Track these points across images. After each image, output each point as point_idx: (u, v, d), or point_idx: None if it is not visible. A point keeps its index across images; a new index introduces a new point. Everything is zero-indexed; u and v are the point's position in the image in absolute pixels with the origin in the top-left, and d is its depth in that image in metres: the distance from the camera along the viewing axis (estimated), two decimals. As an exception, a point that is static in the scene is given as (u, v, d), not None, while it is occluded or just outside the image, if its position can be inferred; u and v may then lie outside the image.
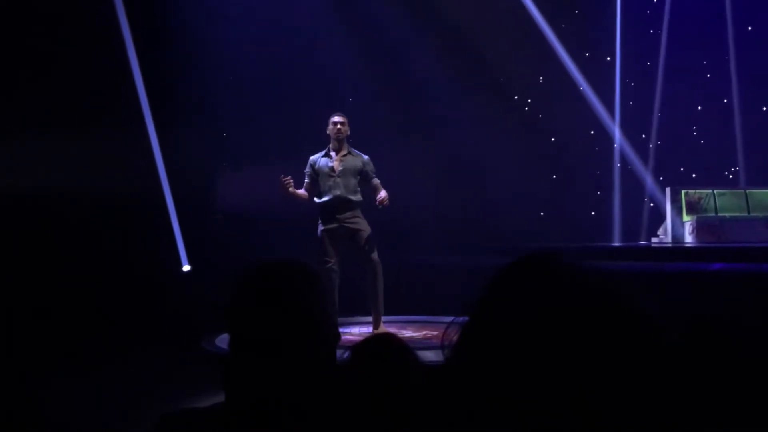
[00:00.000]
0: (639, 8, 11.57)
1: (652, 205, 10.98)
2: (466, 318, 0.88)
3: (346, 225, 6.45)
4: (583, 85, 11.24)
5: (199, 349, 6.29)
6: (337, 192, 6.45)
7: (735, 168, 11.27)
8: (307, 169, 6.60)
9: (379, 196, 6.38)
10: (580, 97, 11.26)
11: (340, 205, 6.46)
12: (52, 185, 7.81)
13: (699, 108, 11.31)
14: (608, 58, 11.55)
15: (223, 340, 6.23)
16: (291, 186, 6.38)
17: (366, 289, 6.52)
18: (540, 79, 11.22)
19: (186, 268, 8.71)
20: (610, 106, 11.45)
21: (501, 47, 10.44)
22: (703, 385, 1.22)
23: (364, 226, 6.47)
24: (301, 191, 6.55)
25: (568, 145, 11.25)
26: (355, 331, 6.83)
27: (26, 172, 7.74)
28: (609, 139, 11.52)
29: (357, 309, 7.48)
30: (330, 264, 6.37)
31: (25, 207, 7.65)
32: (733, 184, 10.63)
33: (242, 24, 9.22)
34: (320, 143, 6.78)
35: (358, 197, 6.52)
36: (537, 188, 10.86)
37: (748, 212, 9.30)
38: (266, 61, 9.37)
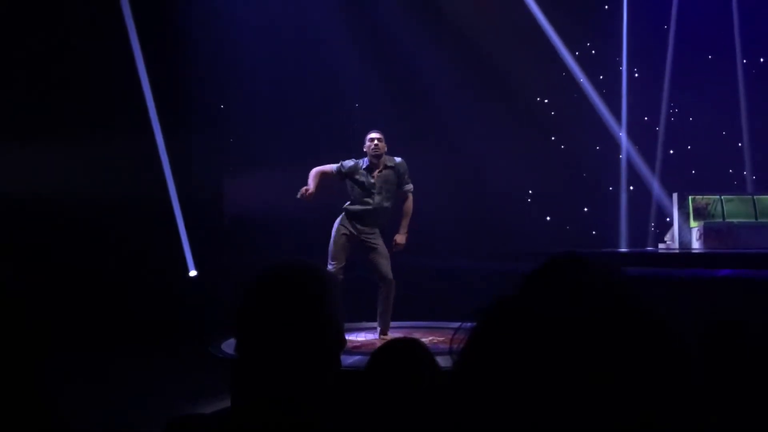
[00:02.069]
0: (646, 14, 11.55)
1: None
2: (476, 322, 0.87)
3: (363, 239, 6.46)
4: (591, 92, 11.22)
5: (206, 354, 6.29)
6: (369, 207, 6.44)
7: (743, 173, 11.23)
8: (343, 168, 6.49)
9: (396, 242, 6.46)
10: (588, 104, 11.24)
11: (367, 217, 6.45)
12: (60, 190, 7.83)
13: (706, 114, 11.28)
14: (616, 61, 11.53)
15: (229, 345, 6.23)
16: (310, 195, 6.31)
17: (376, 300, 6.53)
18: (547, 84, 11.20)
19: (192, 273, 8.72)
20: (617, 113, 11.43)
21: (511, 55, 10.43)
22: (722, 389, 1.22)
23: (381, 246, 6.47)
24: (316, 181, 6.42)
25: (575, 151, 11.22)
26: (361, 338, 6.82)
27: (34, 177, 7.77)
28: (616, 145, 11.50)
29: (361, 315, 7.48)
30: (334, 268, 6.34)
31: (32, 211, 7.67)
32: (740, 190, 10.59)
33: (250, 29, 9.24)
34: (327, 146, 6.79)
35: (388, 211, 6.52)
36: (544, 194, 10.84)
37: (756, 218, 9.26)
38: (274, 66, 9.39)
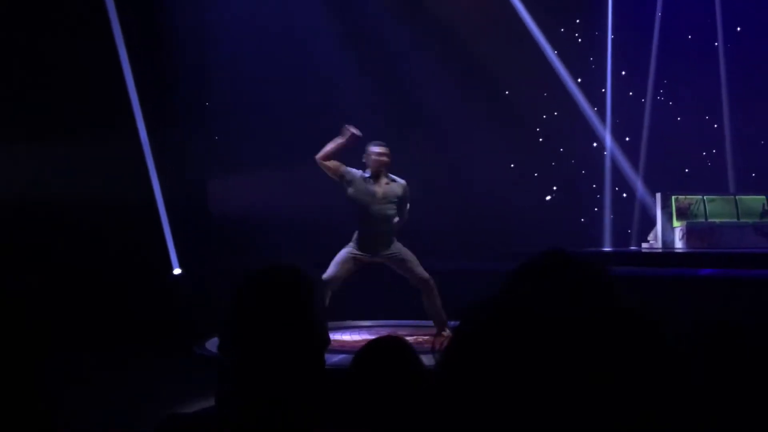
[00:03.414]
0: (630, 15, 11.62)
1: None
2: (469, 322, 0.87)
3: (387, 258, 6.39)
4: (575, 91, 11.28)
5: (190, 353, 6.28)
6: (378, 225, 6.32)
7: (726, 174, 11.33)
8: (346, 170, 6.38)
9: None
10: (572, 104, 11.29)
11: (380, 238, 6.35)
12: (43, 189, 7.77)
13: (690, 115, 11.37)
14: (601, 61, 11.58)
15: (213, 344, 6.22)
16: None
17: (424, 305, 6.45)
18: (533, 86, 11.23)
19: (177, 271, 8.69)
20: (601, 112, 11.49)
21: (497, 55, 10.46)
22: (714, 388, 1.23)
23: (403, 251, 6.39)
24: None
25: (559, 150, 11.28)
26: (347, 337, 6.82)
27: (17, 177, 7.71)
28: (600, 144, 11.56)
29: (348, 314, 7.49)
30: (330, 285, 6.20)
31: (16, 211, 7.61)
32: (723, 191, 10.68)
33: (236, 28, 9.20)
34: (314, 146, 6.74)
35: (392, 226, 6.43)
36: (527, 193, 10.88)
37: (738, 218, 9.35)
38: (260, 65, 9.35)
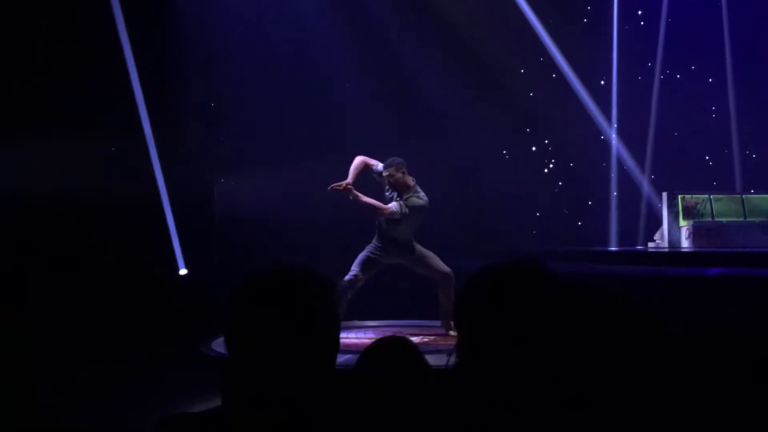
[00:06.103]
0: (636, 13, 11.59)
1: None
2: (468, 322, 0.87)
3: (406, 261, 6.55)
4: (580, 90, 11.25)
5: (196, 353, 6.28)
6: (397, 234, 6.53)
7: (732, 172, 11.29)
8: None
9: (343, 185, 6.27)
10: (578, 102, 11.27)
11: (397, 244, 6.57)
12: (50, 188, 7.80)
13: (696, 113, 11.33)
14: (607, 59, 11.56)
15: (219, 344, 6.22)
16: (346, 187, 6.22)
17: (439, 298, 6.56)
18: (537, 83, 11.21)
19: (183, 271, 8.70)
20: (607, 111, 11.46)
21: (500, 52, 10.44)
22: (706, 386, 1.23)
23: (421, 250, 6.54)
24: (355, 173, 6.36)
25: (565, 149, 11.25)
26: (352, 336, 6.82)
27: (23, 176, 7.73)
28: (606, 143, 11.54)
29: (354, 314, 7.48)
30: (354, 278, 6.37)
31: (22, 210, 7.63)
32: (729, 189, 10.64)
33: (241, 28, 9.21)
34: (319, 145, 6.77)
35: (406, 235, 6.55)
36: (533, 192, 10.86)
37: (745, 217, 9.31)
38: (265, 64, 9.37)
